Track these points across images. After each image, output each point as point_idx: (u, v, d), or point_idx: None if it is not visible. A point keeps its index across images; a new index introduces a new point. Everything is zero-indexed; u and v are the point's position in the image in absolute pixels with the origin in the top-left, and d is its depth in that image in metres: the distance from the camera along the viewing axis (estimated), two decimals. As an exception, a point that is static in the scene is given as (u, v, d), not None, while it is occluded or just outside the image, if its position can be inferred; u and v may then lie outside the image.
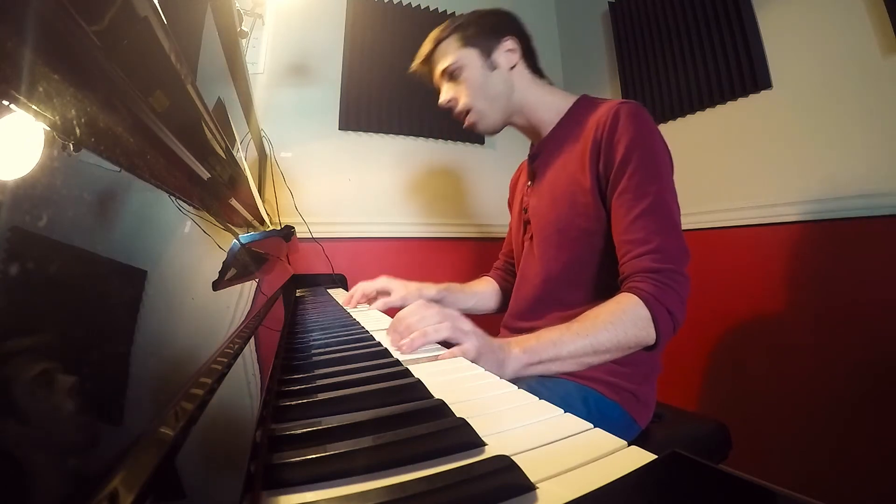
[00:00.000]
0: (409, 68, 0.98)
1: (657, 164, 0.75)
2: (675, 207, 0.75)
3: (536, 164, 0.93)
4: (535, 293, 0.89)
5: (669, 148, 0.79)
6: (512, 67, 0.89)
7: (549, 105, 0.91)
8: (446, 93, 0.92)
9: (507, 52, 0.89)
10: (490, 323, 0.84)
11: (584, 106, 0.88)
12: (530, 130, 0.94)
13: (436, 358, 0.52)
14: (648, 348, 0.69)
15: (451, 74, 0.90)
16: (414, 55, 0.96)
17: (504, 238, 1.18)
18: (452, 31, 0.90)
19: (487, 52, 0.88)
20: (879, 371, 1.08)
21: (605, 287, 0.79)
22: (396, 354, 0.52)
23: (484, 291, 1.12)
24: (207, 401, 0.22)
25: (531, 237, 0.93)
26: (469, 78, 0.89)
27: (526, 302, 0.91)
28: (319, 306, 1.05)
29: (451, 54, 0.89)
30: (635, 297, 0.67)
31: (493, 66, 0.88)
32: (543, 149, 0.91)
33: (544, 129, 0.91)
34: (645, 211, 0.72)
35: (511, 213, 1.10)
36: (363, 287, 1.04)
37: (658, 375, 0.84)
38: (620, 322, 0.66)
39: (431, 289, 1.03)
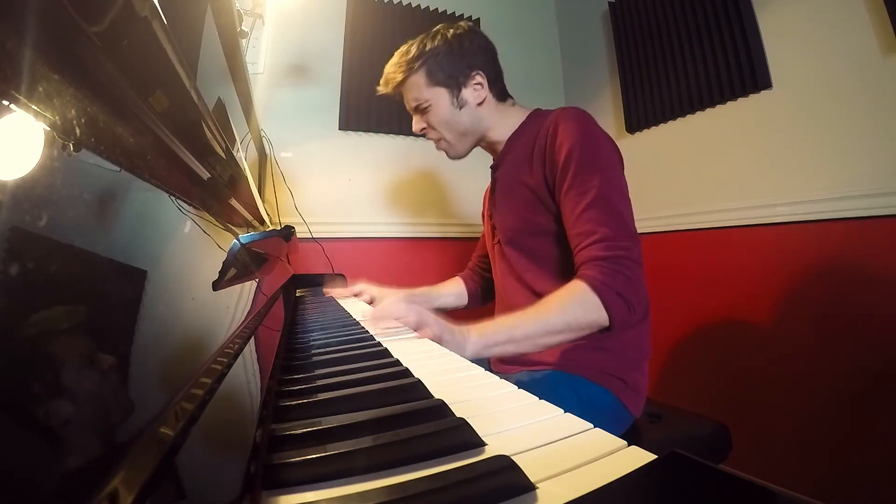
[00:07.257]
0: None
1: (598, 160, 0.79)
2: (619, 198, 0.79)
3: (497, 175, 1.00)
4: (516, 301, 0.92)
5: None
6: (480, 103, 0.93)
7: (508, 124, 0.96)
8: (417, 123, 0.98)
9: (475, 87, 0.92)
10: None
11: (534, 118, 0.94)
12: (492, 149, 1.01)
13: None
14: (606, 329, 0.72)
15: (423, 110, 0.95)
16: None
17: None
18: (422, 65, 0.91)
19: (456, 90, 0.92)
20: (880, 372, 1.08)
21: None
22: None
23: (450, 293, 1.22)
24: (207, 401, 0.22)
25: (499, 242, 0.99)
26: (438, 116, 0.93)
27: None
28: (319, 306, 1.05)
29: (421, 91, 0.92)
30: (583, 284, 0.72)
31: (461, 105, 0.92)
32: (502, 160, 0.97)
33: (502, 145, 0.97)
34: (589, 204, 0.76)
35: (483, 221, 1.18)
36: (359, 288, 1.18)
37: (648, 360, 0.87)
38: (570, 305, 0.71)
39: (400, 293, 1.16)
